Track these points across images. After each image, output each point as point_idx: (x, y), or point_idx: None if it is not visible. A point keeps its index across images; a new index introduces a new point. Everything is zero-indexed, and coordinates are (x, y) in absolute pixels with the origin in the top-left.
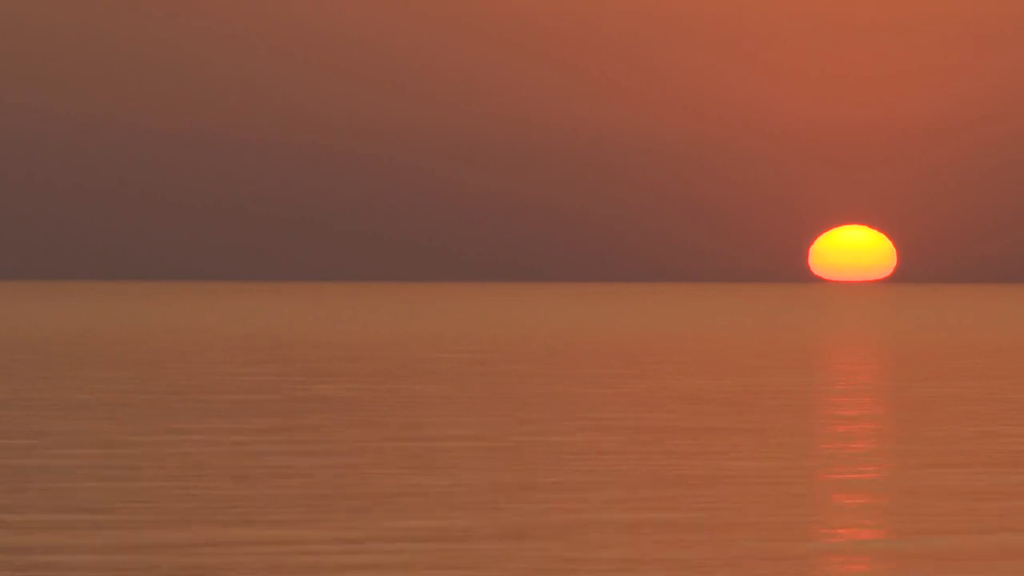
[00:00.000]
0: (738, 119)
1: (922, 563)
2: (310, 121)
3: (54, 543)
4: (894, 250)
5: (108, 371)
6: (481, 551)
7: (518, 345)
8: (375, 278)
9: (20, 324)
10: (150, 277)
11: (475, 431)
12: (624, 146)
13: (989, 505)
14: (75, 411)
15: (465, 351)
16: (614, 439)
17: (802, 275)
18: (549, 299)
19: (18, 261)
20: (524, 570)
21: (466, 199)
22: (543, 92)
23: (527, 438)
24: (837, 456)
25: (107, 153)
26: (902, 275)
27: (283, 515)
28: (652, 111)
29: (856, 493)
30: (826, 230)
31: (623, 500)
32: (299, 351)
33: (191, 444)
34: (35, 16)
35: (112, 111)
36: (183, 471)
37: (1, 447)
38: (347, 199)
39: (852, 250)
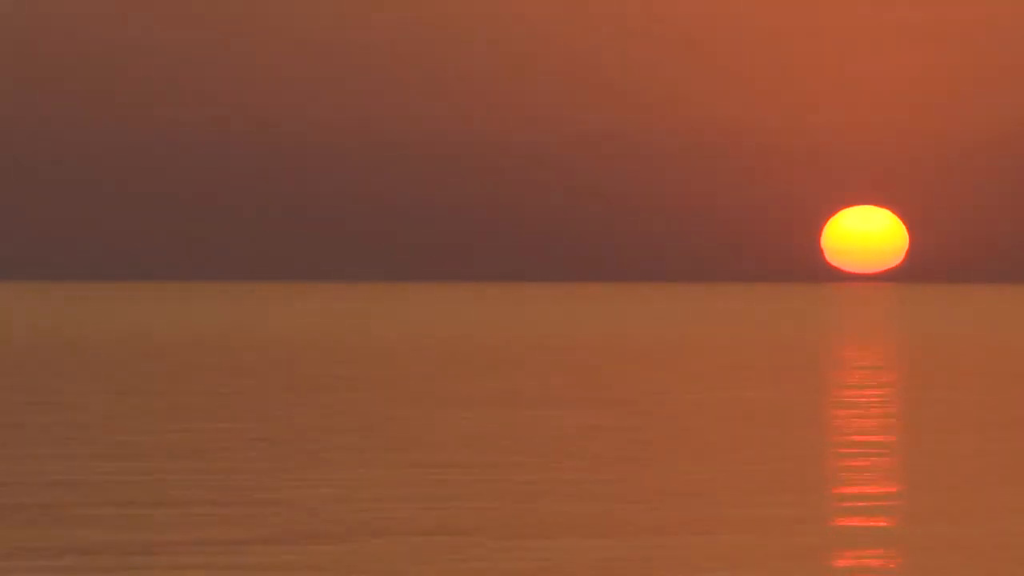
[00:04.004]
0: (738, 115)
1: None
2: (309, 122)
3: None
4: (905, 231)
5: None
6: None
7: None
8: (373, 279)
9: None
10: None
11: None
12: (625, 144)
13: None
14: None
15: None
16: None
17: (816, 265)
18: (555, 301)
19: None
20: None
21: (466, 200)
22: (542, 92)
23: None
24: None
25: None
26: (915, 259)
27: None
28: (651, 109)
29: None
30: (834, 213)
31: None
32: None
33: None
34: (34, 16)
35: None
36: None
37: None
38: (349, 199)
39: (864, 235)
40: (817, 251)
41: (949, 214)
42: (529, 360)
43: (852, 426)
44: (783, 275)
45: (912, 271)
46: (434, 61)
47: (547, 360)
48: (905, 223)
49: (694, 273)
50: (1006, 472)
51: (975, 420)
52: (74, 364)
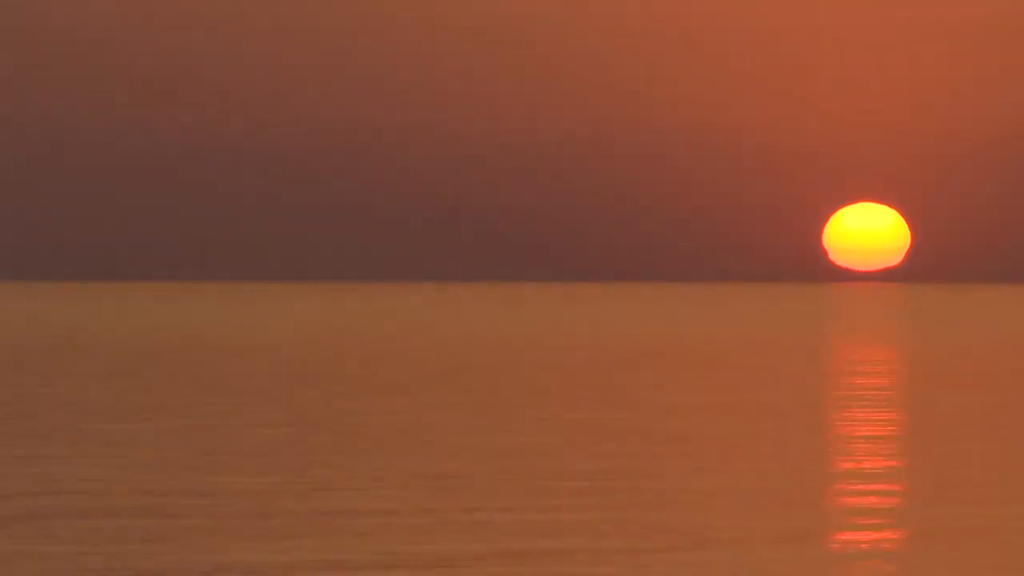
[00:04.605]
0: (738, 115)
1: None
2: (310, 121)
3: None
4: (907, 229)
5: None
6: None
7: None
8: (373, 279)
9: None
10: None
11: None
12: (625, 144)
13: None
14: None
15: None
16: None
17: (819, 264)
18: (555, 301)
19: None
20: None
21: (467, 200)
22: (542, 92)
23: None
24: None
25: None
26: (917, 257)
27: None
28: (651, 109)
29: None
30: (835, 211)
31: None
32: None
33: None
34: (34, 17)
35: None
36: None
37: None
38: (349, 200)
39: (866, 232)
40: (819, 249)
41: (951, 212)
42: (529, 361)
43: (852, 427)
44: (785, 274)
45: (913, 270)
46: (434, 61)
47: (549, 361)
48: (907, 221)
49: (694, 273)
50: (1008, 473)
51: (979, 421)
52: (71, 364)
